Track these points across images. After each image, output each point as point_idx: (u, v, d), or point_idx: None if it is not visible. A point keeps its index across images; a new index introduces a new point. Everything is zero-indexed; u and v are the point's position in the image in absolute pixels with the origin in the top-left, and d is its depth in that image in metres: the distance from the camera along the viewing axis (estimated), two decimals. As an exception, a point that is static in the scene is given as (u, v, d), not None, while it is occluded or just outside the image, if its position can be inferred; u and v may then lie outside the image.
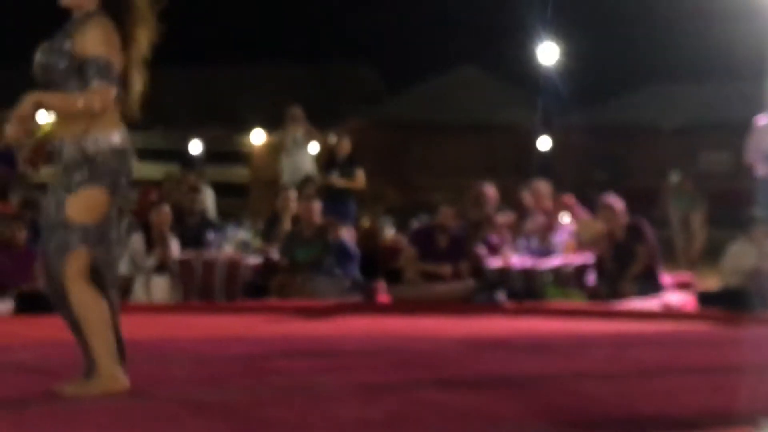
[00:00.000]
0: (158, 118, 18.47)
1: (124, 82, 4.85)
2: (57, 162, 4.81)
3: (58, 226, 4.71)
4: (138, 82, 4.91)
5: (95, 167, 4.69)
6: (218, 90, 23.86)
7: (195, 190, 12.00)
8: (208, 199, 13.60)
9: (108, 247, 4.84)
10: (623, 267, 10.25)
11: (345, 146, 13.74)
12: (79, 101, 4.63)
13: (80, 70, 4.68)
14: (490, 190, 11.77)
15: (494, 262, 10.44)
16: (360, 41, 29.12)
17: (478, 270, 10.44)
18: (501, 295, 9.82)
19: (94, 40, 4.69)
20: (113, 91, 4.67)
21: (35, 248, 9.98)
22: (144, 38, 4.88)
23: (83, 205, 4.69)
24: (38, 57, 4.79)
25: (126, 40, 4.79)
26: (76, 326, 4.79)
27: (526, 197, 12.10)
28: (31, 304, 9.03)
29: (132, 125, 4.96)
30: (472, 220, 11.29)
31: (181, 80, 21.82)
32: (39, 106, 4.65)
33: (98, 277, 4.77)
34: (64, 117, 4.77)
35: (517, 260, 10.46)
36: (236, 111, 21.38)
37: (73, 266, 4.68)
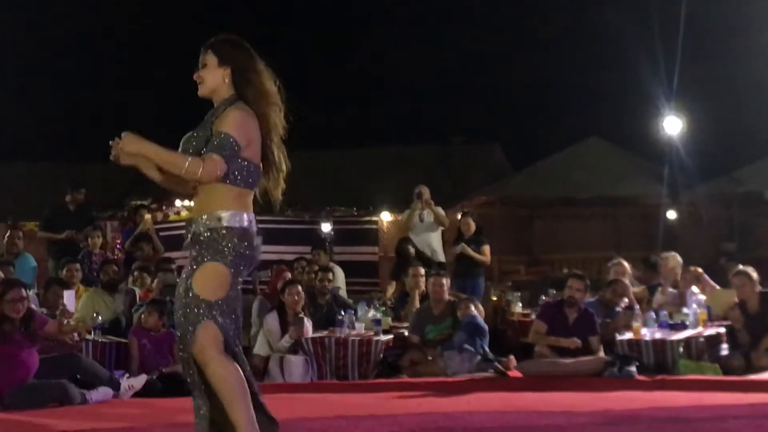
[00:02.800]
0: (289, 200, 18.71)
1: (264, 166, 4.99)
2: (190, 242, 4.94)
3: (187, 304, 4.82)
4: (280, 164, 5.05)
5: (219, 244, 4.80)
6: (346, 172, 24.22)
7: (325, 269, 12.12)
8: (339, 278, 13.72)
9: (236, 324, 4.92)
10: (757, 338, 9.99)
11: (471, 224, 13.79)
12: (184, 163, 4.76)
13: None
14: (626, 271, 11.70)
15: (625, 335, 10.28)
16: (483, 118, 29.23)
17: (608, 344, 10.30)
18: (633, 369, 9.64)
19: (229, 121, 4.85)
20: (223, 165, 4.78)
21: (175, 332, 10.24)
22: (278, 120, 5.02)
23: (208, 279, 4.80)
24: (183, 147, 4.96)
25: (262, 124, 4.94)
26: (206, 405, 4.86)
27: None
28: (171, 384, 9.21)
29: (266, 208, 5.09)
30: (606, 298, 11.18)
31: (310, 163, 22.18)
32: (138, 150, 4.80)
33: (228, 348, 4.85)
34: (198, 204, 4.92)
35: (647, 333, 10.28)
36: (364, 191, 21.61)
37: (202, 338, 4.76)
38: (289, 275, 12.31)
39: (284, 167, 5.07)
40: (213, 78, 4.99)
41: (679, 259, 12.23)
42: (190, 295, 4.80)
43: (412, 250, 13.34)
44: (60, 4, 28.15)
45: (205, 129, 4.93)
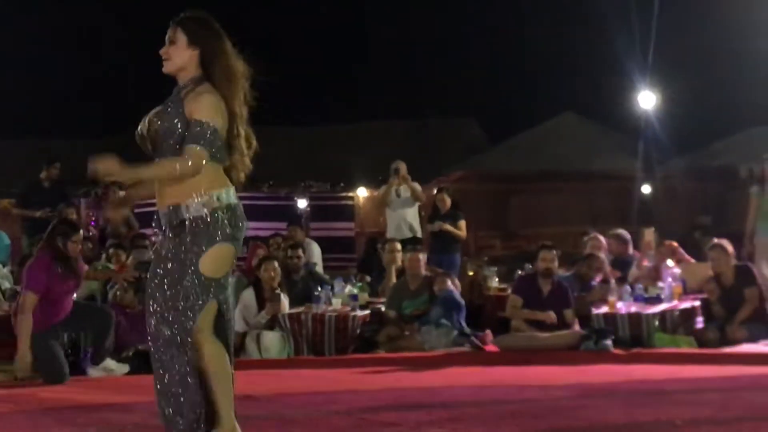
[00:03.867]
0: (264, 176, 18.68)
1: (230, 144, 4.96)
2: (169, 228, 4.89)
3: (180, 286, 4.78)
4: (247, 144, 5.02)
5: (222, 224, 4.80)
6: (322, 147, 24.17)
7: (295, 246, 12.07)
8: (315, 254, 13.70)
9: (228, 302, 4.94)
10: (732, 311, 10.05)
11: (446, 200, 13.78)
12: (175, 166, 4.76)
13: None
14: (601, 245, 11.73)
15: (601, 309, 10.31)
16: (459, 93, 29.19)
17: (585, 317, 10.33)
18: (608, 342, 9.68)
19: (203, 107, 4.81)
20: (206, 155, 4.76)
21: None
22: (244, 100, 4.99)
23: (217, 260, 4.81)
24: (149, 123, 4.91)
25: (229, 104, 4.91)
26: (174, 382, 4.85)
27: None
28: (147, 362, 9.19)
29: (239, 184, 5.06)
30: (582, 273, 11.20)
31: (286, 139, 22.10)
32: (137, 179, 4.80)
33: (222, 331, 4.86)
34: (173, 184, 4.88)
35: (623, 306, 10.31)
36: (340, 167, 21.57)
37: (204, 320, 4.78)
38: (262, 252, 12.28)
39: (251, 148, 5.05)
40: (181, 57, 4.95)
41: (654, 233, 12.27)
42: (197, 277, 4.76)
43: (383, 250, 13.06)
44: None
45: (176, 107, 4.88)
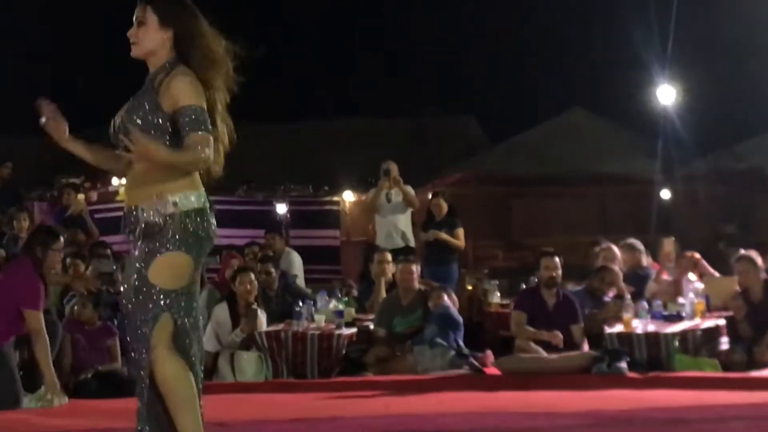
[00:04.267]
0: (240, 178, 18.67)
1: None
2: (131, 230, 4.88)
3: (140, 297, 4.77)
4: (223, 135, 4.99)
5: (176, 231, 4.76)
6: (304, 146, 24.17)
7: (266, 259, 12.05)
8: (296, 265, 13.68)
9: (194, 317, 4.90)
10: (761, 330, 10.03)
11: (442, 205, 13.75)
12: (189, 154, 4.71)
13: (171, 126, 4.77)
14: (615, 257, 11.73)
15: (615, 328, 10.29)
16: (456, 88, 29.21)
17: (597, 337, 10.31)
18: (623, 365, 9.65)
19: (184, 91, 4.77)
20: (212, 141, 4.74)
21: (112, 325, 10.16)
22: (222, 85, 4.96)
23: (167, 270, 4.77)
24: (122, 117, 4.87)
25: (208, 92, 4.87)
26: (154, 410, 4.81)
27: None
28: (108, 384, 9.14)
29: (212, 186, 5.03)
30: (593, 287, 11.19)
31: (264, 137, 22.09)
32: (147, 153, 4.72)
33: (184, 349, 4.81)
34: (138, 182, 4.85)
35: (639, 325, 10.30)
36: (324, 168, 21.58)
37: (158, 335, 4.73)
38: (236, 262, 12.24)
39: (227, 141, 5.01)
40: (151, 40, 4.91)
41: (673, 243, 12.27)
42: (145, 287, 4.75)
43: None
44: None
45: (149, 98, 4.84)
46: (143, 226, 4.81)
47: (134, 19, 4.93)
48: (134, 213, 4.86)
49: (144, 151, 4.66)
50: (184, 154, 4.72)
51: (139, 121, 4.80)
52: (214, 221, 4.95)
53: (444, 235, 13.39)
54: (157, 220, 4.78)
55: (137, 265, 4.83)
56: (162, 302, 4.76)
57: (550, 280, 10.52)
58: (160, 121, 4.79)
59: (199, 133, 4.70)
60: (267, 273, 11.63)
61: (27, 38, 29.97)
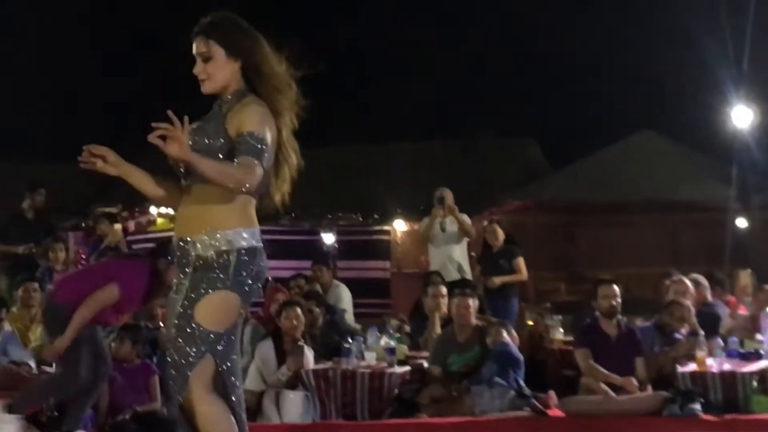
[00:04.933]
0: (285, 206, 18.71)
1: (278, 165, 5.00)
2: (180, 263, 4.94)
3: (183, 335, 4.82)
4: (291, 163, 5.05)
5: (227, 269, 4.80)
6: (353, 172, 24.23)
7: (310, 295, 12.07)
8: (344, 299, 13.70)
9: (235, 358, 4.94)
10: None
11: (498, 233, 13.75)
12: (235, 173, 4.74)
13: (227, 153, 4.83)
14: (687, 290, 11.65)
15: (687, 367, 10.23)
16: (515, 109, 29.16)
17: (668, 377, 10.25)
18: (697, 407, 9.59)
19: (250, 119, 4.83)
20: (260, 170, 4.78)
21: (151, 363, 10.22)
22: (289, 109, 5.02)
23: (214, 311, 4.81)
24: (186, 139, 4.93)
25: (277, 119, 4.94)
26: None
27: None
28: (147, 426, 9.20)
29: (262, 217, 5.08)
30: (663, 323, 11.13)
31: (310, 162, 22.18)
32: (188, 162, 4.76)
33: (225, 392, 4.85)
34: (190, 214, 4.91)
35: (714, 364, 10.22)
36: (374, 196, 21.59)
37: (198, 376, 4.77)
38: (282, 296, 12.28)
39: (296, 166, 5.09)
40: (223, 74, 4.99)
41: (751, 275, 12.19)
42: (192, 326, 4.79)
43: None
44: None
45: (214, 123, 4.93)
46: (193, 259, 4.86)
47: (196, 53, 4.98)
48: (184, 246, 4.91)
49: (179, 148, 4.66)
50: (223, 165, 4.77)
51: (196, 143, 4.86)
52: (265, 260, 5.00)
53: (507, 278, 13.41)
54: (209, 254, 4.83)
55: (183, 302, 4.88)
56: (205, 343, 4.81)
57: (609, 309, 10.48)
58: (219, 145, 4.85)
59: (255, 161, 4.76)
60: (309, 311, 11.59)
61: (70, 66, 30.36)
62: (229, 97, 4.99)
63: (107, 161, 4.99)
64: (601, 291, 10.57)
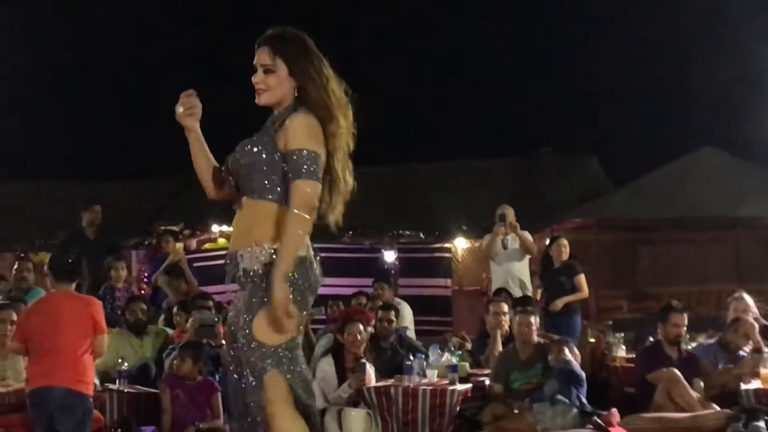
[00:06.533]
0: (345, 223, 18.74)
1: (324, 186, 5.02)
2: (231, 276, 4.98)
3: (246, 351, 4.85)
4: (343, 185, 5.07)
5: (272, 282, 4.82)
6: (413, 189, 24.22)
7: (387, 307, 12.11)
8: (406, 316, 13.73)
9: (301, 370, 4.95)
10: None
11: (563, 251, 13.71)
12: (297, 228, 4.79)
13: (278, 165, 4.87)
14: (748, 307, 11.58)
15: (752, 384, 10.15)
16: (576, 126, 29.06)
17: (732, 394, 10.18)
18: (761, 425, 9.51)
19: (299, 133, 4.86)
20: (313, 184, 4.80)
21: (214, 380, 10.29)
22: (345, 131, 5.04)
23: (268, 325, 4.83)
24: (237, 155, 4.98)
25: (328, 139, 4.96)
26: None
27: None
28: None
29: (316, 233, 5.10)
30: (727, 340, 11.06)
31: (369, 179, 22.22)
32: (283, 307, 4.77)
33: (302, 406, 4.87)
34: (241, 228, 4.96)
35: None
36: (434, 213, 21.57)
37: (271, 391, 4.80)
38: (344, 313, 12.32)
39: (348, 188, 5.10)
40: (282, 89, 5.02)
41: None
42: (252, 342, 4.82)
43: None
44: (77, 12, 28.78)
45: (264, 137, 4.97)
46: (241, 273, 4.89)
47: (259, 63, 5.01)
48: (234, 260, 4.96)
49: (281, 315, 4.76)
50: (295, 233, 4.81)
51: (245, 157, 4.92)
52: (318, 270, 5.01)
53: (568, 299, 13.38)
54: (255, 267, 4.85)
55: (243, 317, 4.91)
56: (267, 358, 4.82)
57: (676, 337, 10.50)
58: (275, 158, 4.89)
59: (298, 182, 4.79)
60: (389, 321, 11.68)
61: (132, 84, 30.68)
62: (282, 110, 5.01)
63: (194, 114, 5.01)
64: (673, 318, 10.58)
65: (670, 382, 10.22)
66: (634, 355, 12.41)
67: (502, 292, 13.17)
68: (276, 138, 4.92)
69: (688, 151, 22.88)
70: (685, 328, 10.60)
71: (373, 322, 11.69)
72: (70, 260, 9.33)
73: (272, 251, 4.84)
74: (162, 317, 12.74)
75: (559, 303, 13.44)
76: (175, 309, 12.18)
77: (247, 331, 4.86)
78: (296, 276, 4.87)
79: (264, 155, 4.92)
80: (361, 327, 10.92)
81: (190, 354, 10.28)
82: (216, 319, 11.31)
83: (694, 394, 10.06)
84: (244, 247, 4.91)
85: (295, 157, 4.81)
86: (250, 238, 4.90)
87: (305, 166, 4.79)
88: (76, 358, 8.69)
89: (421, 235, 20.28)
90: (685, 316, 10.62)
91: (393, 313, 11.93)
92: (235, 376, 4.98)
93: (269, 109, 5.13)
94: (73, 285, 9.20)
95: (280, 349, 4.84)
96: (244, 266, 4.89)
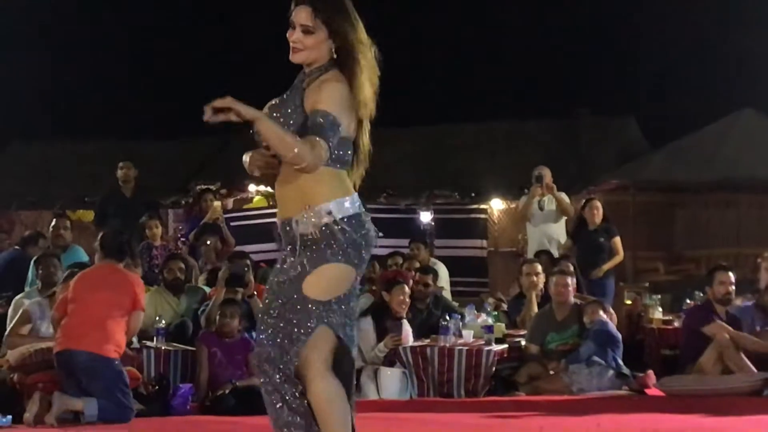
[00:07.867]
0: (381, 184, 18.80)
1: (356, 144, 5.02)
2: (289, 245, 4.97)
3: (290, 310, 4.84)
4: (365, 149, 5.06)
5: (334, 240, 4.83)
6: (449, 151, 24.15)
7: (425, 270, 12.10)
8: (442, 277, 13.73)
9: (351, 329, 4.96)
10: None
11: (598, 213, 13.67)
12: (294, 146, 4.70)
13: (305, 126, 4.85)
14: None
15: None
16: (614, 87, 28.86)
17: (766, 358, 10.16)
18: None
19: (328, 96, 4.84)
20: (326, 152, 4.77)
21: (250, 338, 10.32)
22: (370, 94, 5.02)
23: (324, 281, 4.84)
24: (267, 114, 4.96)
25: (356, 101, 4.94)
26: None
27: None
28: (246, 400, 9.29)
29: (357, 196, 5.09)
30: (763, 301, 11.03)
31: (405, 141, 22.16)
32: (256, 125, 4.76)
33: (339, 367, 4.88)
34: (288, 193, 4.94)
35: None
36: (471, 174, 21.51)
37: (317, 350, 4.81)
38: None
39: (367, 151, 5.09)
40: (319, 50, 4.96)
41: None
42: (297, 302, 4.83)
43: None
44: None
45: (295, 96, 4.96)
46: (299, 239, 4.89)
47: (296, 21, 4.96)
48: (288, 227, 4.95)
49: (238, 110, 4.64)
50: (286, 133, 4.75)
51: (275, 117, 4.90)
52: (371, 225, 5.02)
53: (608, 265, 13.36)
54: (312, 231, 4.85)
55: (291, 274, 4.89)
56: (317, 314, 4.82)
57: (725, 295, 10.46)
58: (293, 121, 4.88)
59: (321, 141, 4.73)
60: (425, 285, 11.70)
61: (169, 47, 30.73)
62: (314, 70, 5.00)
63: (234, 109, 4.88)
64: (719, 277, 10.55)
65: (723, 344, 10.17)
66: (671, 317, 12.40)
67: (543, 255, 13.15)
68: (304, 97, 4.91)
69: (726, 113, 22.71)
70: (733, 287, 10.56)
71: (411, 283, 11.70)
72: (122, 240, 9.50)
73: (327, 210, 4.84)
74: (202, 275, 12.77)
75: (601, 271, 13.41)
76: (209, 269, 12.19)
77: (297, 287, 4.84)
78: (352, 233, 4.88)
79: (292, 115, 4.90)
80: (406, 288, 10.92)
81: (237, 311, 10.30)
82: (246, 268, 11.18)
83: (745, 359, 10.03)
84: (296, 212, 4.90)
85: (319, 117, 4.78)
86: (300, 202, 4.89)
87: (324, 128, 4.74)
88: (103, 323, 8.83)
89: (457, 196, 20.22)
90: (731, 274, 10.59)
91: (431, 276, 11.92)
92: (270, 330, 4.92)
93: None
94: (122, 264, 9.42)
95: (329, 305, 4.84)
96: (302, 231, 4.88)
